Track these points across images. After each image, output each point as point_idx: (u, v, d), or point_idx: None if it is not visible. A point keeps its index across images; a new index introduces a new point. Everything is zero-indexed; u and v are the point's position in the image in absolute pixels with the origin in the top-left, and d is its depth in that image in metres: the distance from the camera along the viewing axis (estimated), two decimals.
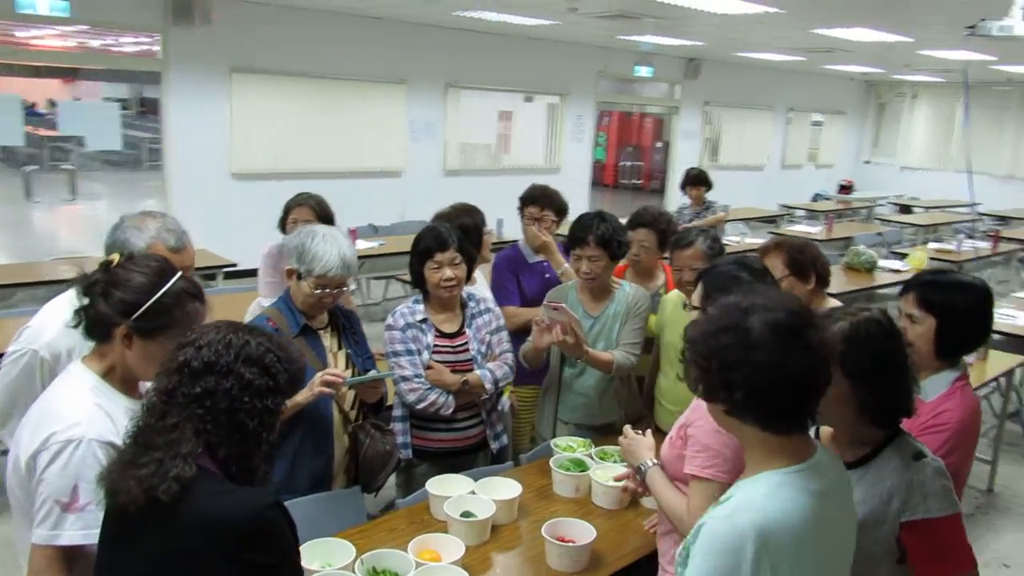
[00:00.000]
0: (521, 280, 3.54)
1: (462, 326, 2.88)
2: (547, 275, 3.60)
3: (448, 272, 2.75)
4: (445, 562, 2.09)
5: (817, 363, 1.36)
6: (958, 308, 2.02)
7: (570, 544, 2.22)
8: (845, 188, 13.95)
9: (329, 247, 2.47)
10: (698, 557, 1.33)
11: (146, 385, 1.80)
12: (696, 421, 1.99)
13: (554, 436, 3.06)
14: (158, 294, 1.70)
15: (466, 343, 2.86)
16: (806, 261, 2.73)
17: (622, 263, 3.26)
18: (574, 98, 11.19)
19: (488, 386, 2.80)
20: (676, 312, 3.02)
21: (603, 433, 3.00)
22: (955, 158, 14.76)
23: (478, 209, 3.41)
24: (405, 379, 2.73)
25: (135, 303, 1.69)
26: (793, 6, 6.59)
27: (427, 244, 2.76)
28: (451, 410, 2.73)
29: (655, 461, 2.08)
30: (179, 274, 1.77)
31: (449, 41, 9.54)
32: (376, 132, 9.23)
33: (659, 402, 3.08)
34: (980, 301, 2.07)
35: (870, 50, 9.55)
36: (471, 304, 2.93)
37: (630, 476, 2.18)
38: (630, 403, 3.13)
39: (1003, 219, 11.50)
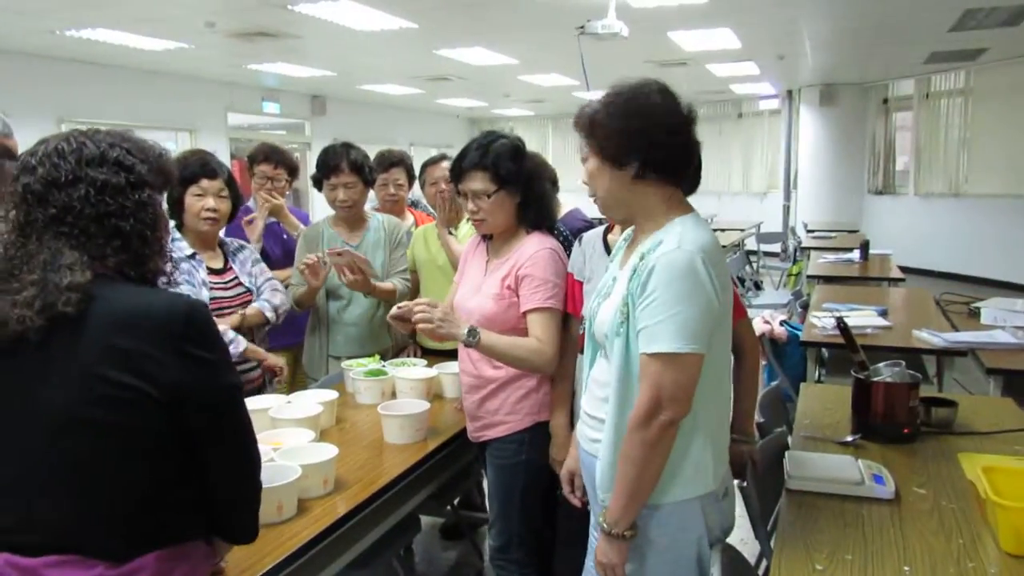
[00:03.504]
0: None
1: (226, 262, 2.74)
2: (284, 236, 3.53)
3: (211, 202, 2.60)
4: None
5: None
6: None
7: (407, 414, 2.26)
8: None
9: None
10: (660, 288, 1.51)
11: None
12: (526, 263, 2.19)
13: (327, 374, 3.03)
14: None
15: (235, 278, 2.72)
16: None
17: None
18: (204, 134, 10.75)
19: (269, 315, 2.70)
20: (429, 239, 3.19)
21: None
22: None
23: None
24: None
25: None
26: (425, 21, 7.21)
27: (193, 170, 2.58)
28: (241, 348, 2.56)
29: (475, 327, 2.14)
30: None
31: (61, 73, 8.62)
32: None
33: None
34: None
35: (480, 76, 10.72)
36: (228, 242, 2.80)
37: None
38: (397, 331, 3.21)
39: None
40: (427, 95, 13.01)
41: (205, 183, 2.58)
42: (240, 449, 1.32)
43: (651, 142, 1.58)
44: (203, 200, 2.58)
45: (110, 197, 1.27)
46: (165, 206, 2.60)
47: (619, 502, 1.57)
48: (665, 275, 1.52)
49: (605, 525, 1.58)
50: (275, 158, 3.50)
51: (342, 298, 3.06)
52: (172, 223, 2.63)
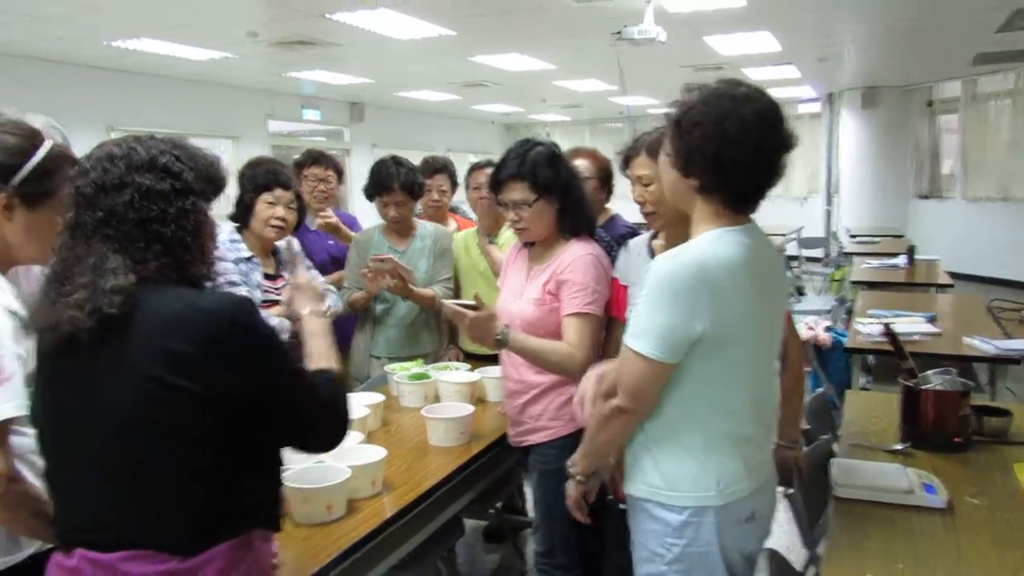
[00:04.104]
0: (306, 245, 3.47)
1: (278, 269, 2.79)
2: (330, 240, 3.59)
3: (281, 211, 2.67)
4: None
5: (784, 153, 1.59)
6: None
7: (451, 417, 2.28)
8: None
9: None
10: (647, 289, 1.55)
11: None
12: (566, 269, 2.20)
13: (368, 376, 3.07)
14: (39, 155, 1.49)
15: (286, 285, 2.76)
16: (610, 174, 2.96)
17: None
18: (246, 141, 10.94)
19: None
20: (469, 245, 3.22)
21: None
22: None
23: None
24: None
25: (14, 165, 1.47)
26: (462, 29, 7.26)
27: (269, 179, 2.66)
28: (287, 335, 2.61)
29: (507, 325, 2.16)
30: (49, 139, 1.56)
31: (108, 82, 8.86)
32: None
33: None
34: None
35: (516, 82, 10.74)
36: (281, 250, 2.86)
37: None
38: (440, 335, 3.24)
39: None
40: (463, 101, 13.08)
41: (279, 192, 2.66)
42: (317, 416, 1.37)
43: (723, 168, 1.54)
44: (274, 209, 2.65)
45: (153, 203, 1.28)
46: (231, 210, 2.68)
47: (579, 451, 1.79)
48: (653, 279, 1.55)
49: (568, 463, 1.83)
50: (325, 161, 3.64)
51: (387, 300, 3.10)
52: (235, 225, 2.70)
